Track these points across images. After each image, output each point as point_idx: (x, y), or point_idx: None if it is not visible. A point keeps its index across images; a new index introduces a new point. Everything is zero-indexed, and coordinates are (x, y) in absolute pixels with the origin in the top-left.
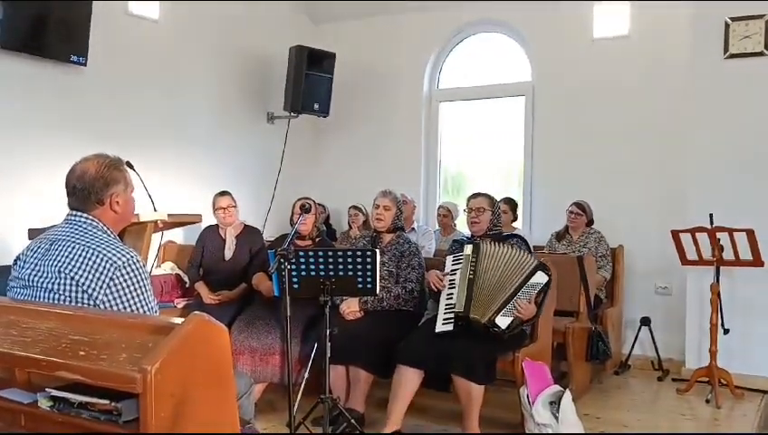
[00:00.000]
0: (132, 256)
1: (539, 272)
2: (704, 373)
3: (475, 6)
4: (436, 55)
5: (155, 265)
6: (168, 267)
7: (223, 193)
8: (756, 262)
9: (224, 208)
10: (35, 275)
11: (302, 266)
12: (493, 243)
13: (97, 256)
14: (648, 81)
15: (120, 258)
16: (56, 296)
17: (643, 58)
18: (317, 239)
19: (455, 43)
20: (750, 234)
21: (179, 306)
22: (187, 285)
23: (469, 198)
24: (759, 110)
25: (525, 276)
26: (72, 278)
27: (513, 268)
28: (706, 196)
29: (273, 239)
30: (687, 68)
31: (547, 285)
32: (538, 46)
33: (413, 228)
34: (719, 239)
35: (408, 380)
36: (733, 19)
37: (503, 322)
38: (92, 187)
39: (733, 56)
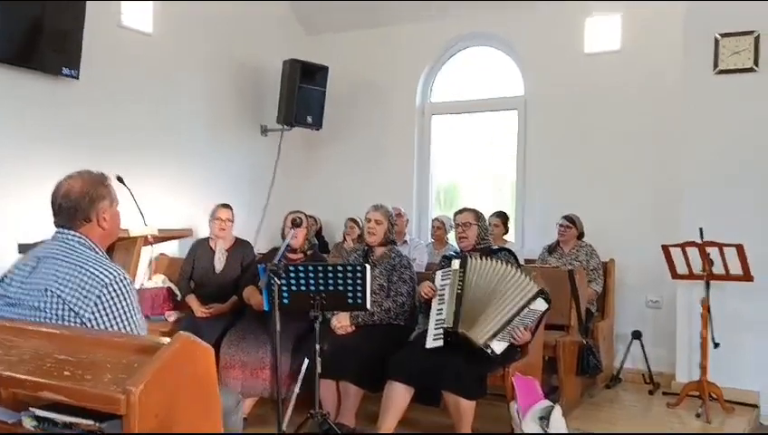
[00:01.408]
0: (119, 274)
1: (539, 299)
2: (694, 388)
3: (467, 20)
4: (428, 68)
5: (147, 277)
6: (159, 280)
7: (225, 205)
8: (746, 277)
9: (222, 220)
10: (22, 294)
11: (293, 281)
12: (480, 257)
13: (84, 274)
14: (639, 95)
15: (107, 276)
16: (43, 315)
17: (634, 72)
18: (308, 253)
19: (447, 57)
20: (739, 249)
21: (171, 319)
22: (178, 298)
23: (455, 214)
24: (749, 125)
25: (527, 301)
26: (59, 296)
27: (514, 289)
28: (697, 210)
29: (265, 252)
30: (678, 83)
31: (544, 312)
32: (530, 60)
33: (405, 241)
34: (709, 254)
35: (399, 395)
36: (722, 35)
37: (498, 346)
38: (79, 204)
39: (723, 72)
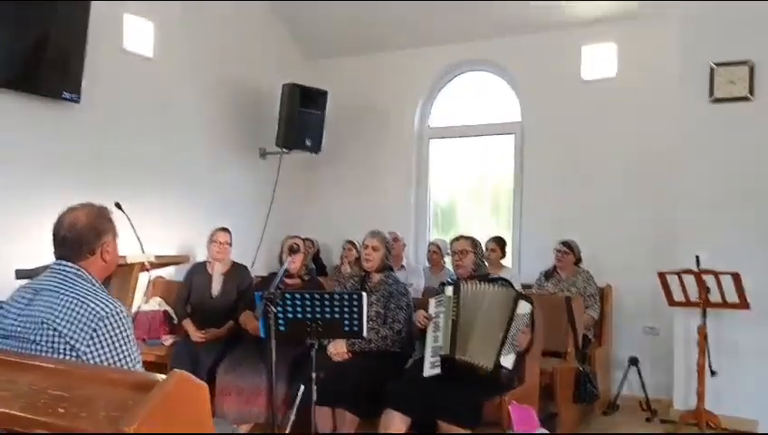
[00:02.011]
0: (116, 307)
1: (520, 302)
2: (691, 416)
3: (465, 46)
4: (427, 93)
5: (143, 300)
6: (155, 303)
7: (224, 229)
8: (742, 305)
9: (220, 243)
10: (18, 326)
11: (289, 309)
12: (473, 283)
13: (81, 307)
14: (635, 122)
15: (103, 309)
16: (38, 348)
17: (631, 100)
18: (306, 278)
19: (445, 82)
20: (736, 277)
21: (167, 343)
22: (174, 322)
23: (452, 241)
24: (745, 153)
25: (511, 310)
26: (55, 329)
27: (497, 306)
28: (694, 237)
29: (262, 276)
30: (674, 110)
31: (531, 312)
32: (527, 86)
33: (402, 266)
34: (705, 281)
35: (395, 425)
36: (718, 64)
37: (507, 361)
38: (85, 237)
39: (718, 100)
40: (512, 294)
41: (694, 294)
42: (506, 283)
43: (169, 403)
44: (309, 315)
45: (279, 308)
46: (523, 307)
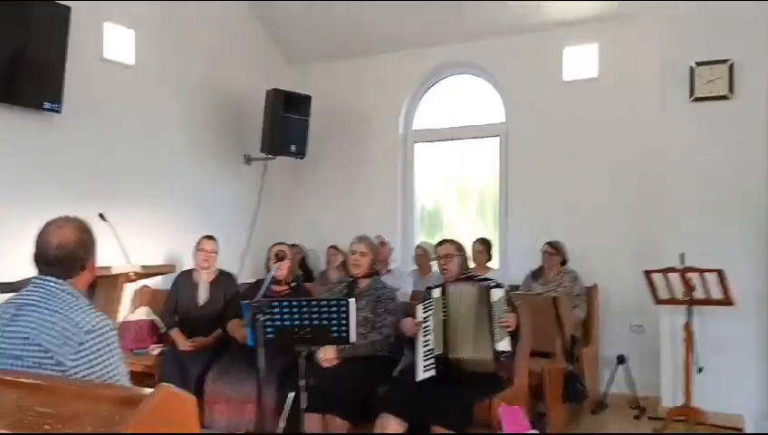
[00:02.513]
0: (102, 320)
1: (492, 291)
2: (679, 413)
3: (449, 49)
4: (410, 97)
5: (130, 310)
6: (142, 313)
7: (210, 237)
8: (727, 301)
9: (206, 252)
10: (2, 343)
11: (277, 317)
12: (458, 283)
13: (66, 321)
14: (618, 122)
15: (89, 322)
16: (23, 364)
17: (613, 100)
18: (292, 284)
19: (429, 85)
20: (720, 274)
21: (154, 353)
22: (162, 331)
23: (436, 246)
24: (726, 151)
25: (488, 303)
26: (39, 345)
27: (477, 302)
28: (678, 236)
29: (249, 283)
30: (656, 110)
31: (507, 292)
32: (511, 88)
33: (389, 270)
34: (690, 279)
35: (392, 429)
36: (698, 63)
37: (504, 345)
38: (76, 255)
39: (699, 99)
40: (482, 287)
41: (679, 291)
42: (493, 283)
43: (156, 417)
44: (297, 322)
45: (267, 316)
46: (496, 294)
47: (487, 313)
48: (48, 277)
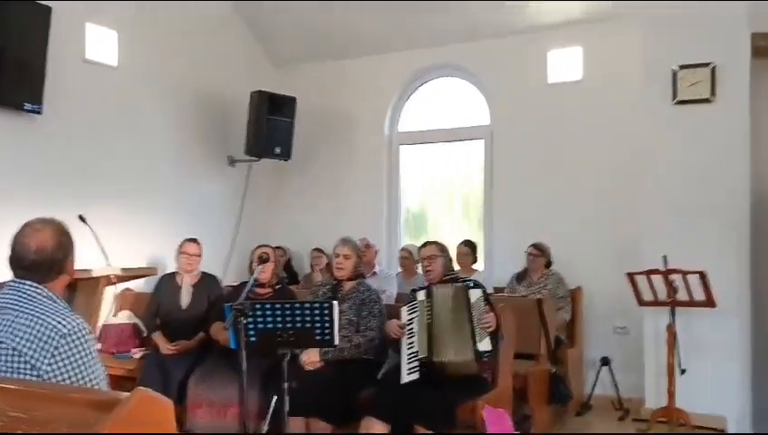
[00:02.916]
0: (78, 324)
1: (471, 291)
2: (662, 414)
3: (434, 52)
4: (396, 99)
5: (112, 313)
6: (124, 316)
7: (192, 239)
8: (709, 302)
9: (189, 255)
10: None
11: (259, 320)
12: (450, 286)
13: (41, 325)
14: (602, 124)
15: (65, 326)
16: None
17: (597, 102)
18: (277, 287)
19: (414, 88)
20: (702, 275)
21: (136, 356)
22: (144, 335)
23: (420, 248)
24: (706, 153)
25: (467, 303)
26: (14, 349)
27: (457, 303)
28: (660, 238)
29: (232, 286)
30: (639, 113)
31: (485, 292)
32: (495, 91)
33: (374, 272)
34: (673, 281)
35: (376, 432)
36: (681, 67)
37: (485, 345)
38: (54, 259)
39: (681, 102)
40: (459, 287)
41: (662, 293)
42: (476, 284)
43: (132, 422)
44: (279, 325)
45: (249, 319)
46: (474, 294)
47: (467, 313)
48: (20, 280)
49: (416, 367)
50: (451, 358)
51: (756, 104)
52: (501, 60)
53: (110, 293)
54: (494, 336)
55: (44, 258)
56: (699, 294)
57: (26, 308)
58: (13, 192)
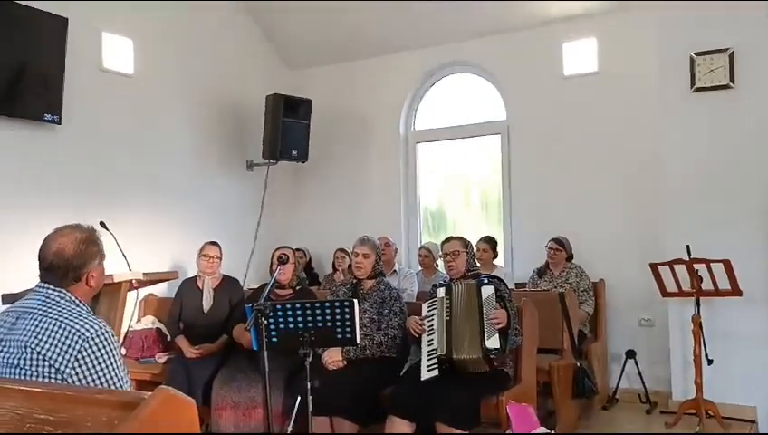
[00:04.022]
0: (102, 328)
1: (483, 288)
2: (690, 406)
3: (447, 49)
4: (411, 97)
5: (135, 319)
6: (148, 321)
7: (213, 242)
8: (735, 291)
9: (210, 257)
10: (1, 352)
11: (281, 320)
12: (463, 282)
13: (64, 329)
14: (620, 115)
15: (88, 330)
16: (22, 372)
17: (614, 93)
18: (297, 288)
19: (429, 85)
20: (727, 264)
21: (161, 361)
22: (168, 339)
23: (442, 243)
24: (727, 140)
25: (479, 300)
26: (39, 353)
27: (472, 299)
28: (682, 227)
29: (253, 288)
30: (657, 102)
31: (497, 290)
32: (511, 86)
33: (394, 271)
34: (697, 271)
35: (401, 430)
36: (697, 54)
37: (493, 342)
38: (70, 265)
39: (699, 90)
40: (474, 284)
41: (686, 284)
42: (499, 281)
43: (155, 421)
44: (301, 325)
45: (270, 320)
46: (486, 291)
47: (478, 310)
48: (46, 285)
49: (435, 364)
50: (464, 355)
51: None
52: (515, 54)
53: (135, 299)
54: (505, 334)
55: (61, 262)
56: (724, 284)
57: (50, 313)
58: (35, 202)
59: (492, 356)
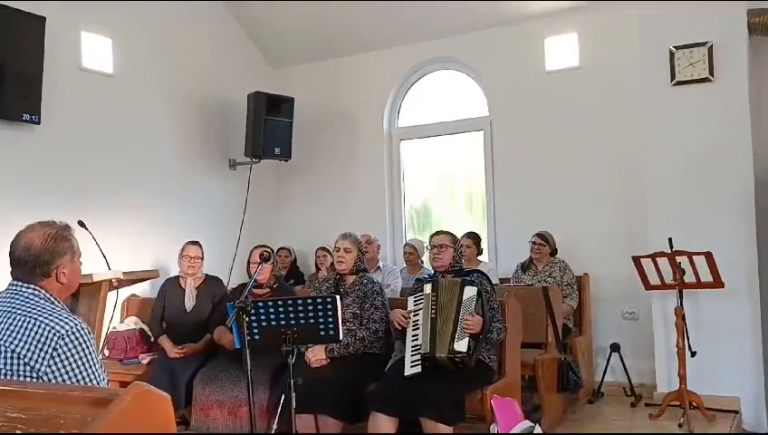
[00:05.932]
0: (77, 324)
1: (466, 287)
2: (674, 398)
3: (429, 45)
4: (394, 94)
5: (117, 320)
6: (131, 322)
7: (194, 242)
8: (716, 283)
9: (190, 257)
10: None
11: (262, 317)
12: (449, 279)
13: (38, 326)
14: (601, 110)
15: (63, 327)
16: None
17: (595, 88)
18: (275, 286)
19: (412, 82)
20: (708, 256)
21: (144, 362)
22: (151, 340)
23: (431, 236)
24: (708, 133)
25: (458, 297)
26: (13, 351)
27: (454, 296)
28: (664, 220)
29: (234, 288)
30: (638, 96)
31: (479, 295)
32: (493, 82)
33: (378, 268)
34: (679, 263)
35: (384, 427)
36: (677, 48)
37: (461, 345)
38: (38, 259)
39: (680, 83)
40: (458, 282)
41: (669, 276)
42: (482, 275)
43: (129, 417)
44: (283, 322)
45: (252, 317)
46: (468, 292)
47: (456, 310)
48: (18, 282)
49: (418, 361)
50: (441, 354)
51: (756, 81)
52: (497, 50)
53: (118, 299)
54: (476, 340)
55: (29, 257)
56: (706, 275)
57: (23, 310)
58: (14, 202)
59: (457, 359)
